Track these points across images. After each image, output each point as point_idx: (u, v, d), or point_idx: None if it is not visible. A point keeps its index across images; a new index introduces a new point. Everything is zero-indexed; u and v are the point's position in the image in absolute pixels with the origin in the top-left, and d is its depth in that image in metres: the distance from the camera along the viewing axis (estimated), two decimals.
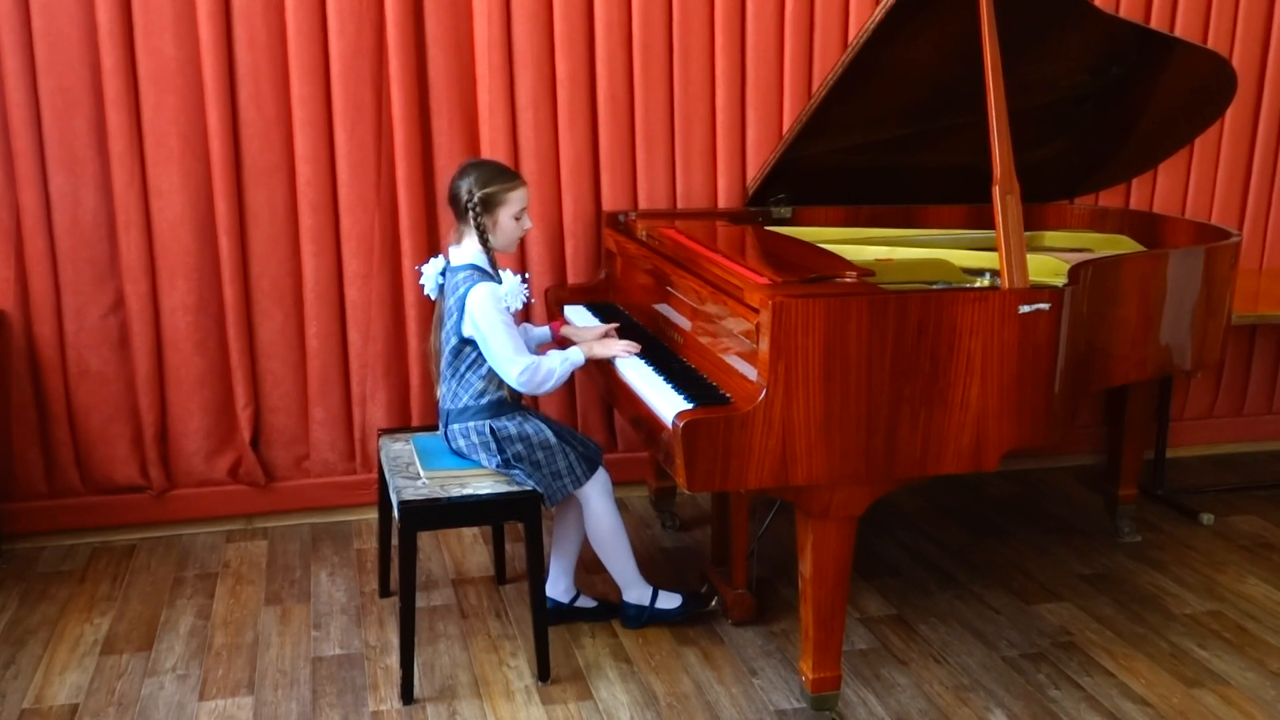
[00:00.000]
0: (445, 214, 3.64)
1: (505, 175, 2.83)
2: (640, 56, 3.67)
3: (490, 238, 2.81)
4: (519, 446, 2.79)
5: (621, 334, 3.07)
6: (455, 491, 2.74)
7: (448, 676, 2.83)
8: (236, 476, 3.68)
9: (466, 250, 2.82)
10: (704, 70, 3.75)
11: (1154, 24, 4.01)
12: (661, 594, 3.04)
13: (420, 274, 2.96)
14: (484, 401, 2.82)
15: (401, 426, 3.63)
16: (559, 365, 2.78)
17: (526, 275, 2.91)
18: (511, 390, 2.83)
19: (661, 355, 2.90)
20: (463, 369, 2.82)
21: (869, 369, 2.37)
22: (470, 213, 2.78)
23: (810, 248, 2.98)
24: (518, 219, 2.84)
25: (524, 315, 3.61)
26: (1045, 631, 3.09)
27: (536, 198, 3.62)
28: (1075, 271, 2.65)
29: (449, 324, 2.82)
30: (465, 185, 2.78)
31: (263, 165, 3.49)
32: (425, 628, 3.06)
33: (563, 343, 3.03)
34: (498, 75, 3.57)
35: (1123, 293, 2.84)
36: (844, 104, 3.23)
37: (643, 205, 3.78)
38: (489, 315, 2.72)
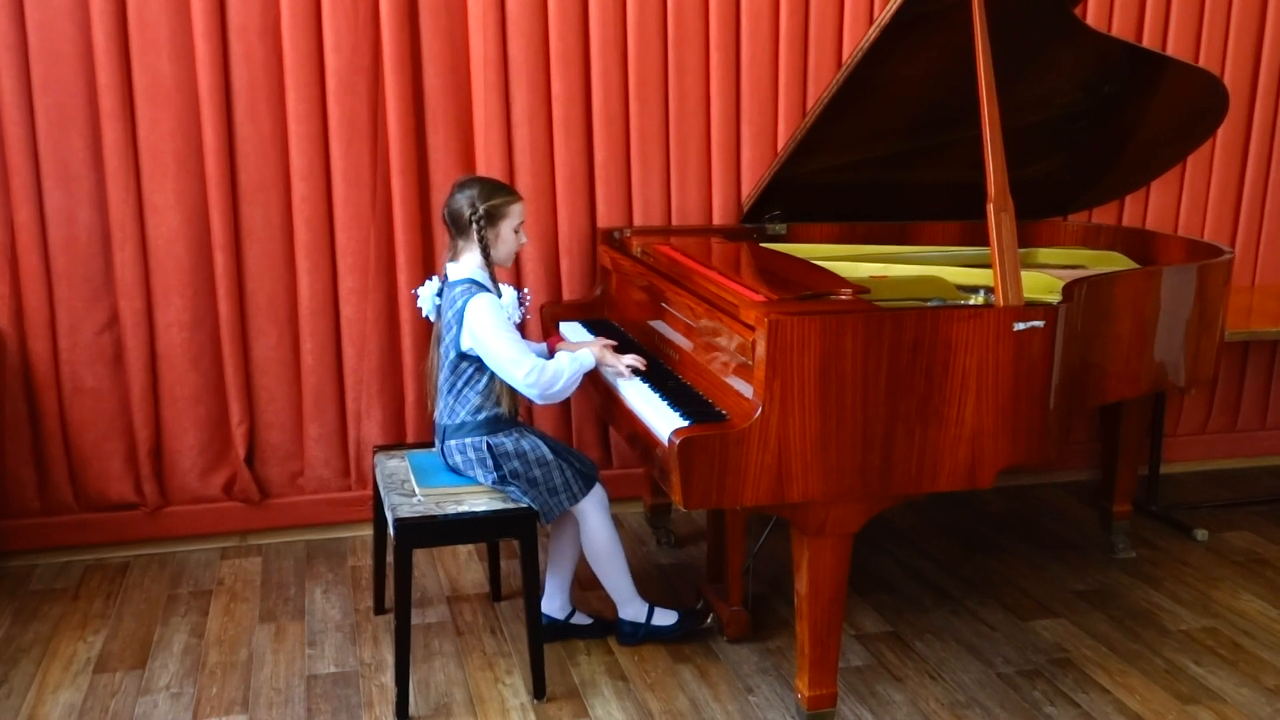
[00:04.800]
0: (441, 230, 3.65)
1: (505, 189, 2.87)
2: (635, 73, 3.69)
3: (492, 250, 2.83)
4: (515, 463, 2.79)
5: (617, 351, 3.06)
6: (451, 509, 2.73)
7: (443, 694, 2.82)
8: (231, 493, 3.67)
9: (464, 266, 2.83)
10: (699, 87, 3.76)
11: (1146, 43, 4.04)
12: (657, 611, 3.04)
13: (417, 297, 2.96)
14: (480, 418, 2.82)
15: (397, 443, 3.62)
16: (568, 366, 2.78)
17: (525, 291, 2.92)
18: (508, 407, 2.83)
19: (657, 372, 2.90)
20: (460, 385, 2.82)
21: (864, 386, 2.37)
22: (475, 226, 2.79)
23: (805, 265, 2.99)
24: (516, 232, 2.87)
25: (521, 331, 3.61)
26: (1041, 648, 3.09)
27: (532, 214, 3.62)
28: (1069, 289, 2.66)
29: (447, 338, 2.82)
30: (468, 199, 2.80)
31: (258, 181, 3.49)
32: (420, 645, 3.05)
33: None
34: (493, 92, 3.58)
35: (1116, 310, 2.85)
36: (838, 121, 3.24)
37: (638, 222, 3.79)
38: (489, 323, 2.72)
